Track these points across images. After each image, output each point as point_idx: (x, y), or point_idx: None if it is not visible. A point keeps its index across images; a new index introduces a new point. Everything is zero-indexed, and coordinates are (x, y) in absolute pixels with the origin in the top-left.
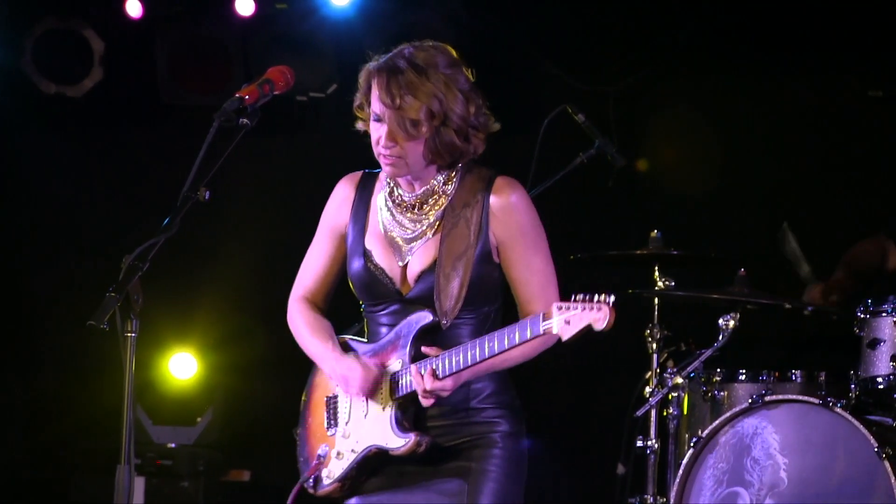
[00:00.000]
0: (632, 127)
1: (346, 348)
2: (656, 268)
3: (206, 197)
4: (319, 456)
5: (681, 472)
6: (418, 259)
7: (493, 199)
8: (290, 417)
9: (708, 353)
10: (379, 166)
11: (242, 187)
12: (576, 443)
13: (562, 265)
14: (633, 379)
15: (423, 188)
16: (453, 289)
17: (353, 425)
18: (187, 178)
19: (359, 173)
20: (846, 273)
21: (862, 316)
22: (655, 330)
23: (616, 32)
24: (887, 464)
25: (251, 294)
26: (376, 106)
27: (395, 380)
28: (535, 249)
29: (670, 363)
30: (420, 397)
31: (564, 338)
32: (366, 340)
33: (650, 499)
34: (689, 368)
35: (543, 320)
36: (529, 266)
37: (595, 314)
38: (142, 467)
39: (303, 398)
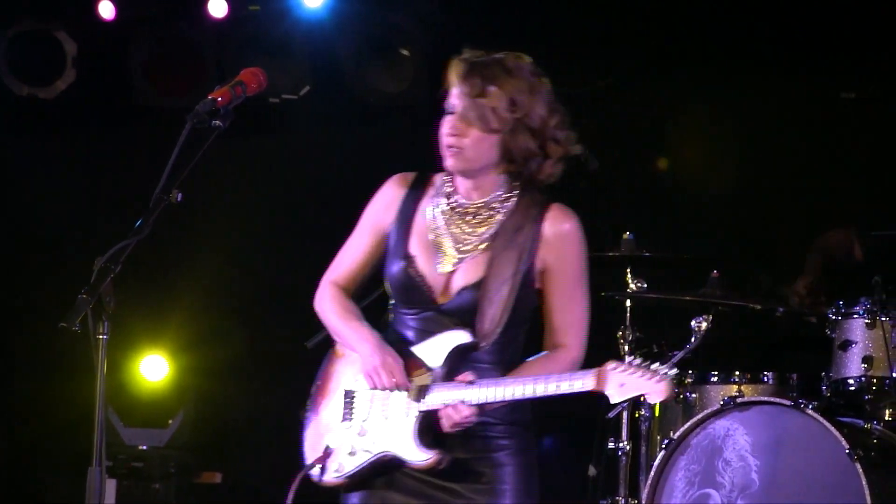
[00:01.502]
0: (605, 129)
1: None
2: (628, 270)
3: (179, 199)
4: (328, 447)
5: (652, 473)
6: (463, 273)
7: (546, 225)
8: (262, 419)
9: (680, 354)
10: (432, 168)
11: (215, 189)
12: (547, 444)
13: None
14: None
15: (483, 199)
16: (495, 313)
17: (371, 424)
18: (160, 179)
19: (412, 174)
20: (818, 257)
21: (833, 318)
22: (627, 332)
23: (589, 35)
24: (858, 465)
25: (223, 296)
26: (453, 97)
27: (422, 392)
28: (578, 281)
29: None
30: (446, 425)
31: (613, 400)
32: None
33: (622, 500)
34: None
35: (597, 378)
36: (570, 296)
37: (653, 385)
38: (113, 469)
39: (316, 382)
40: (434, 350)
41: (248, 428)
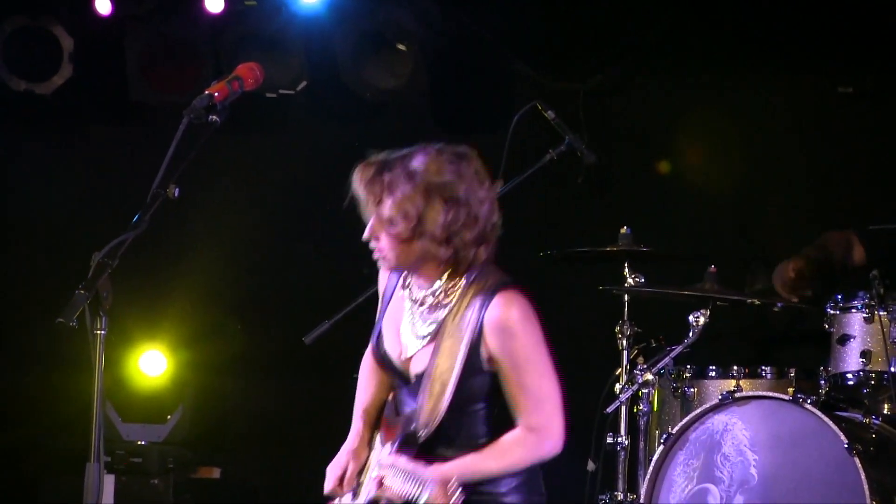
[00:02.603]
0: (601, 124)
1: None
2: (626, 264)
3: (176, 194)
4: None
5: (651, 468)
6: (417, 361)
7: (487, 317)
8: (260, 414)
9: (678, 349)
10: None
11: (212, 184)
12: None
13: (532, 262)
14: (603, 375)
15: (429, 290)
16: (432, 406)
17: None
18: (157, 175)
19: None
20: (816, 252)
21: (832, 312)
22: (625, 326)
23: (586, 30)
24: (857, 460)
25: (221, 291)
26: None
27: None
28: (528, 369)
29: (640, 360)
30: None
31: None
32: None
33: (620, 495)
34: (660, 365)
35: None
36: (520, 385)
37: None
38: (111, 465)
39: None
40: (395, 435)
41: (247, 423)
